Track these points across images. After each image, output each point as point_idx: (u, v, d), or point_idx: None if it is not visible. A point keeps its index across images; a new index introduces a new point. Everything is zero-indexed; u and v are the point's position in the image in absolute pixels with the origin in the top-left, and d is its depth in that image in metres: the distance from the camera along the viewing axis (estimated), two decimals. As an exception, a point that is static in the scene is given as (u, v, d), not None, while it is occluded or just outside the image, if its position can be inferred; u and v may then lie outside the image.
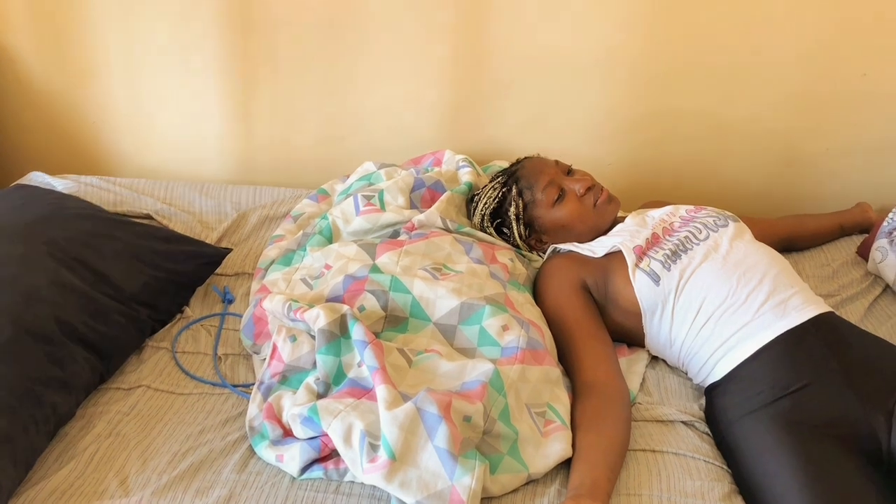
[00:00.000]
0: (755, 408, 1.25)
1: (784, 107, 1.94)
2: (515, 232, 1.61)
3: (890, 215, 1.72)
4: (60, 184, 1.89)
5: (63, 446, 1.22)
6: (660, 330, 1.42)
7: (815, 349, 1.30)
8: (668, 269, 1.40)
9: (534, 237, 1.63)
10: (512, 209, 1.60)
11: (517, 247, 1.63)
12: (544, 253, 1.63)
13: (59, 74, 2.06)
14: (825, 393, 1.24)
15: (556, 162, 1.64)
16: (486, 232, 1.64)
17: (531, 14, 1.87)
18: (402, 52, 1.94)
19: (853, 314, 1.62)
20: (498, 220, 1.64)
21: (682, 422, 1.34)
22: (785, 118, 1.96)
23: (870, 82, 1.89)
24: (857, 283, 1.73)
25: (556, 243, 1.59)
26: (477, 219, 1.65)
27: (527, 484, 1.18)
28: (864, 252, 1.79)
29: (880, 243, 1.72)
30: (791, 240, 1.82)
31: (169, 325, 1.53)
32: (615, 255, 1.47)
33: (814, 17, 1.83)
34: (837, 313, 1.45)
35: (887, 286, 1.72)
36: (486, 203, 1.64)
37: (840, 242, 1.88)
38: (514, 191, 1.61)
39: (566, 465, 1.21)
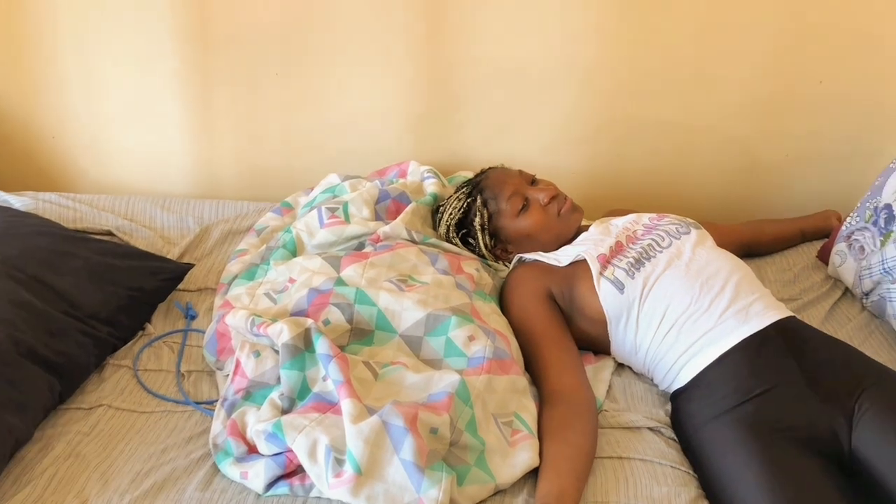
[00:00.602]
0: (719, 412, 1.26)
1: (743, 114, 1.97)
2: (481, 242, 1.61)
3: (848, 219, 1.75)
4: (18, 201, 1.86)
5: (20, 469, 1.19)
6: (625, 337, 1.43)
7: (776, 354, 1.31)
8: (632, 277, 1.41)
9: (499, 247, 1.63)
10: (477, 219, 1.61)
11: (483, 257, 1.63)
12: (510, 262, 1.63)
13: (15, 90, 2.03)
14: (787, 396, 1.25)
15: (520, 172, 1.65)
16: (451, 242, 1.64)
17: (493, 26, 1.87)
18: (365, 64, 1.93)
19: (814, 318, 1.65)
20: (463, 231, 1.64)
21: (649, 428, 1.34)
22: (744, 125, 1.98)
23: (826, 89, 1.93)
24: (817, 287, 1.76)
25: (521, 253, 1.60)
26: (442, 229, 1.65)
27: (494, 494, 1.18)
28: (824, 256, 1.82)
29: (839, 247, 1.74)
30: (752, 245, 1.84)
31: (130, 342, 1.50)
32: (580, 264, 1.47)
33: (770, 25, 1.86)
34: (799, 317, 1.47)
35: (847, 289, 1.75)
36: (451, 214, 1.64)
37: (801, 247, 1.90)
38: (478, 201, 1.62)
39: (534, 474, 1.20)
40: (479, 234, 1.61)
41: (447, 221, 1.64)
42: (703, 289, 1.39)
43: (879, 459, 1.18)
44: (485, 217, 1.60)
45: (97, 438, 1.27)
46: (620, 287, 1.41)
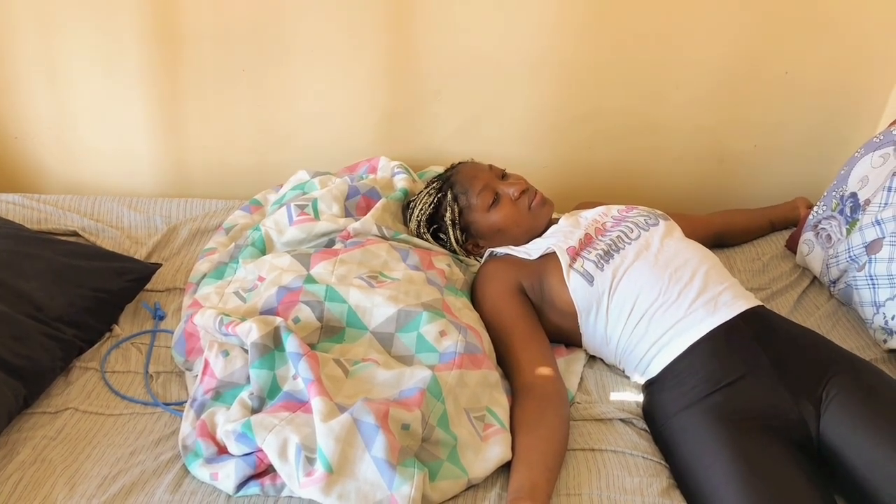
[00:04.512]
0: (691, 402, 1.27)
1: (711, 105, 1.98)
2: (452, 237, 1.61)
3: (815, 209, 1.77)
4: (-20, 203, 1.83)
5: (-16, 476, 1.17)
6: (595, 329, 1.43)
7: (745, 343, 1.32)
8: (602, 269, 1.42)
9: (470, 242, 1.63)
10: (448, 214, 1.60)
11: (454, 252, 1.63)
12: (481, 257, 1.63)
13: (-24, 89, 1.99)
14: (756, 385, 1.26)
15: (490, 166, 1.65)
16: (422, 238, 1.63)
17: (461, 20, 1.87)
18: (333, 60, 1.92)
19: (783, 306, 1.66)
20: (434, 226, 1.63)
21: (620, 419, 1.35)
22: (712, 116, 2.00)
23: (791, 80, 1.94)
24: (786, 276, 1.77)
25: (492, 247, 1.59)
26: (413, 225, 1.65)
27: (467, 489, 1.18)
28: (792, 245, 1.84)
29: (807, 236, 1.76)
30: (721, 236, 1.85)
31: (97, 344, 1.48)
32: (550, 257, 1.47)
33: (737, 17, 1.87)
34: (768, 306, 1.48)
35: (815, 278, 1.77)
36: (421, 209, 1.63)
37: (770, 237, 1.92)
38: (449, 196, 1.61)
39: (507, 468, 1.21)
40: (450, 229, 1.60)
41: (418, 217, 1.63)
42: (672, 279, 1.39)
43: (847, 446, 1.19)
44: (455, 212, 1.60)
45: (64, 442, 1.25)
46: (590, 279, 1.41)
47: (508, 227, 1.58)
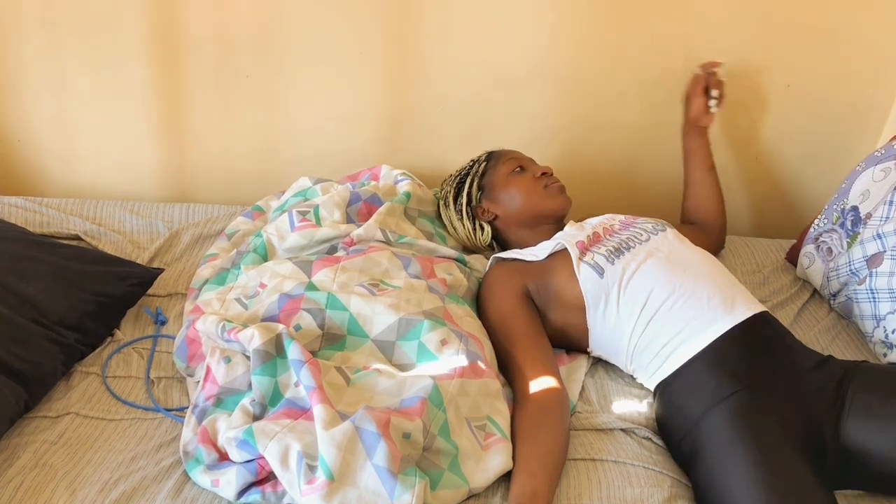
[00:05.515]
0: (716, 401, 1.25)
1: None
2: (466, 191, 1.67)
3: (816, 221, 1.77)
4: (-18, 206, 1.83)
5: (-15, 480, 1.17)
6: (604, 324, 1.42)
7: (763, 344, 1.33)
8: (612, 263, 1.43)
9: (483, 204, 1.67)
10: (473, 170, 1.69)
11: (460, 212, 1.69)
12: (485, 224, 1.68)
13: (-21, 92, 1.99)
14: (777, 389, 1.26)
15: (533, 160, 1.73)
16: (445, 197, 1.71)
17: (465, 29, 1.88)
18: (336, 67, 1.93)
19: (783, 319, 1.66)
20: (458, 181, 1.72)
21: (622, 429, 1.34)
22: (714, 128, 1.98)
23: (793, 93, 1.95)
24: (786, 289, 1.78)
25: (499, 214, 1.65)
26: (451, 180, 1.73)
27: (468, 498, 1.18)
28: (793, 258, 1.84)
29: (807, 249, 1.77)
30: (715, 245, 1.83)
31: (99, 349, 1.48)
32: (558, 256, 1.49)
33: (739, 29, 1.87)
34: (770, 318, 1.49)
35: (815, 291, 1.77)
36: (462, 170, 1.73)
37: (770, 249, 1.94)
38: (482, 157, 1.71)
39: (508, 477, 1.21)
40: (468, 183, 1.68)
41: (457, 176, 1.72)
42: (685, 277, 1.40)
43: (875, 442, 1.20)
44: (480, 170, 1.68)
45: (64, 447, 1.24)
46: (600, 271, 1.41)
47: (520, 198, 1.64)
